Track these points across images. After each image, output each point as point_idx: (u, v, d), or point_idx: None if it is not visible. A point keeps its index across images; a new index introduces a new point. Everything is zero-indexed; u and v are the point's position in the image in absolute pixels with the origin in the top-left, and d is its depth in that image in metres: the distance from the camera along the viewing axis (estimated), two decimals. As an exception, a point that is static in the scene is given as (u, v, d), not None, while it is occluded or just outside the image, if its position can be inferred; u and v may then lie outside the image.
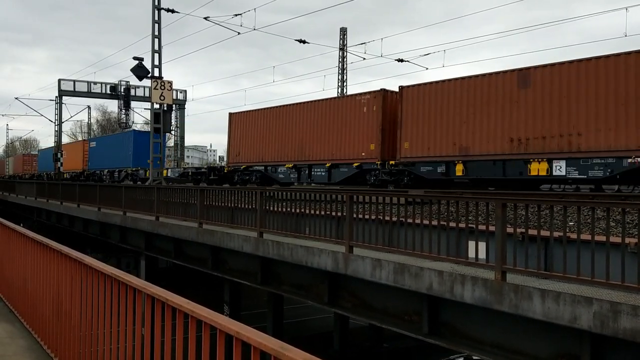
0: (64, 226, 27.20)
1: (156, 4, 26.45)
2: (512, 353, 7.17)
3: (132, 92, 51.72)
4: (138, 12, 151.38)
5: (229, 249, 12.72)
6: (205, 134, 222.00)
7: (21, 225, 9.77)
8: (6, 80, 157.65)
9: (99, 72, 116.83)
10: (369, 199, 9.34)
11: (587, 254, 6.14)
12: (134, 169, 41.06)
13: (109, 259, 22.42)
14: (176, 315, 3.25)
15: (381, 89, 22.71)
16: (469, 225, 8.42)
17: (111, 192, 20.85)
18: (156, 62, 26.62)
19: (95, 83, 49.97)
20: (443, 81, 20.63)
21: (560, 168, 16.98)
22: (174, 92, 43.68)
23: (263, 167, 28.19)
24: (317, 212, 10.15)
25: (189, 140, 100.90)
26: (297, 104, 27.05)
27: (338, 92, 44.88)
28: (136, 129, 42.95)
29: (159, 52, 26.71)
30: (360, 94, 23.64)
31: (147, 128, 48.15)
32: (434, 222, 7.91)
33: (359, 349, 17.95)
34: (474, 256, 7.69)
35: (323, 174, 24.80)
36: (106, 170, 45.64)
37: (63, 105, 50.44)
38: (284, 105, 27.82)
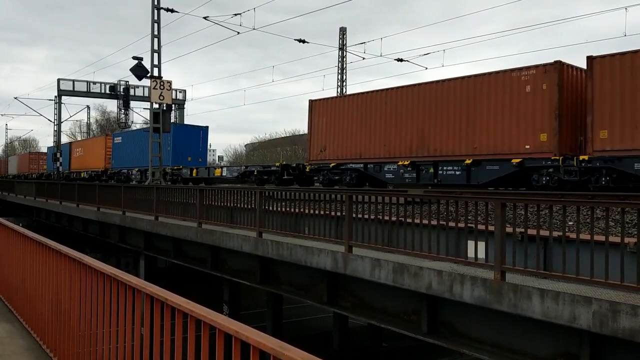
0: (63, 226, 27.21)
1: (155, 3, 26.43)
2: (511, 352, 7.17)
3: (132, 91, 51.63)
4: (137, 12, 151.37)
5: (228, 249, 12.72)
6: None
7: (20, 224, 9.76)
8: (5, 80, 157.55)
9: (98, 71, 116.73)
10: (368, 199, 9.35)
11: (586, 254, 6.14)
12: (174, 168, 35.41)
13: (108, 259, 22.44)
14: (175, 315, 3.25)
15: (556, 61, 17.54)
16: (469, 225, 8.43)
17: (110, 192, 20.85)
18: (155, 62, 26.61)
19: (94, 83, 49.89)
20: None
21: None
22: (174, 92, 43.69)
23: (361, 165, 23.34)
24: (317, 212, 10.15)
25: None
26: (413, 85, 21.95)
27: (337, 91, 44.87)
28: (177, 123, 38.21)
29: (159, 51, 26.69)
30: (519, 69, 18.46)
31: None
32: (434, 222, 7.92)
33: (358, 348, 17.95)
34: (473, 256, 7.71)
35: (458, 173, 19.83)
36: (135, 169, 39.48)
37: (62, 105, 50.37)
38: (392, 88, 22.73)
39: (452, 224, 7.92)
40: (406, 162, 21.24)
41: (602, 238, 6.27)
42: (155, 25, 26.49)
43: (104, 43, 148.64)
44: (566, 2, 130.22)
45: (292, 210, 10.84)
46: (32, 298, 6.68)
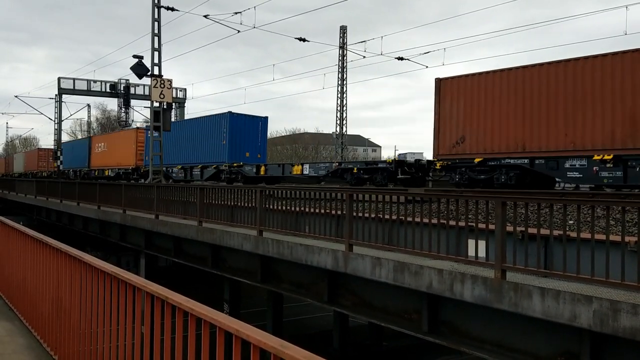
0: (64, 224, 27.22)
1: (156, 1, 26.42)
2: (511, 351, 7.17)
3: (132, 90, 51.71)
4: (137, 11, 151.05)
5: (228, 247, 12.72)
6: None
7: (21, 223, 9.76)
8: (5, 79, 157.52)
9: (98, 70, 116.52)
10: (368, 198, 9.34)
11: (586, 253, 6.14)
12: (233, 165, 29.71)
13: (108, 258, 22.45)
14: (176, 313, 3.24)
15: None
16: (469, 223, 8.42)
17: (111, 191, 20.87)
18: (156, 61, 26.61)
19: (95, 81, 49.95)
20: None
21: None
22: (174, 91, 43.58)
23: (526, 160, 18.21)
24: (317, 211, 10.15)
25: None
26: (615, 53, 16.28)
27: (338, 90, 44.86)
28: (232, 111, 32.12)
29: (159, 50, 26.69)
30: None
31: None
32: (434, 221, 7.91)
33: (359, 347, 17.96)
34: (473, 255, 7.70)
35: None
36: (178, 167, 34.28)
37: (63, 103, 50.39)
38: (580, 58, 17.11)
39: (452, 222, 7.92)
40: (607, 157, 15.92)
41: (603, 237, 6.28)
42: (156, 23, 26.49)
43: (103, 43, 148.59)
44: (564, 1, 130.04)
45: (293, 209, 10.84)
46: (33, 296, 6.67)
